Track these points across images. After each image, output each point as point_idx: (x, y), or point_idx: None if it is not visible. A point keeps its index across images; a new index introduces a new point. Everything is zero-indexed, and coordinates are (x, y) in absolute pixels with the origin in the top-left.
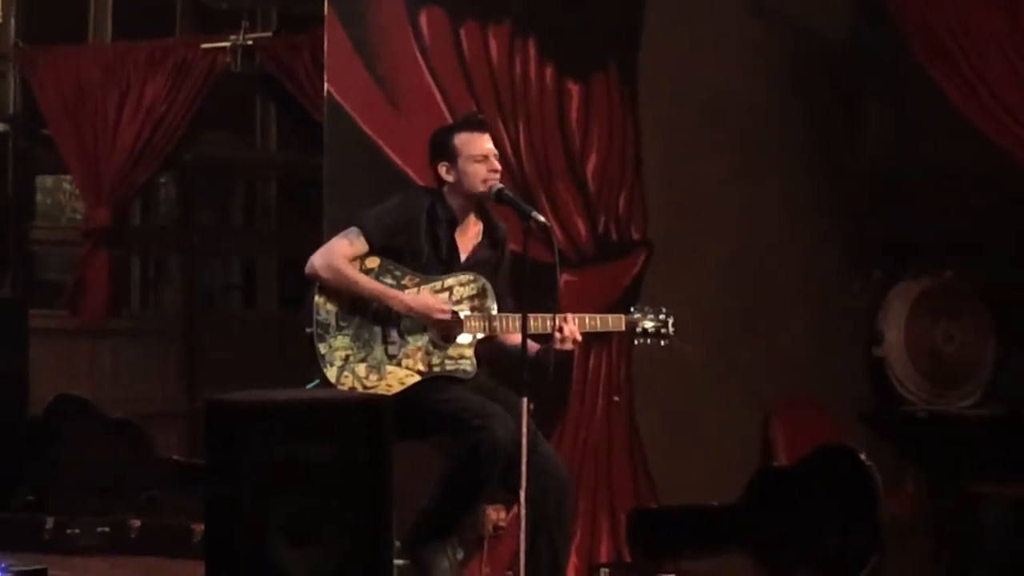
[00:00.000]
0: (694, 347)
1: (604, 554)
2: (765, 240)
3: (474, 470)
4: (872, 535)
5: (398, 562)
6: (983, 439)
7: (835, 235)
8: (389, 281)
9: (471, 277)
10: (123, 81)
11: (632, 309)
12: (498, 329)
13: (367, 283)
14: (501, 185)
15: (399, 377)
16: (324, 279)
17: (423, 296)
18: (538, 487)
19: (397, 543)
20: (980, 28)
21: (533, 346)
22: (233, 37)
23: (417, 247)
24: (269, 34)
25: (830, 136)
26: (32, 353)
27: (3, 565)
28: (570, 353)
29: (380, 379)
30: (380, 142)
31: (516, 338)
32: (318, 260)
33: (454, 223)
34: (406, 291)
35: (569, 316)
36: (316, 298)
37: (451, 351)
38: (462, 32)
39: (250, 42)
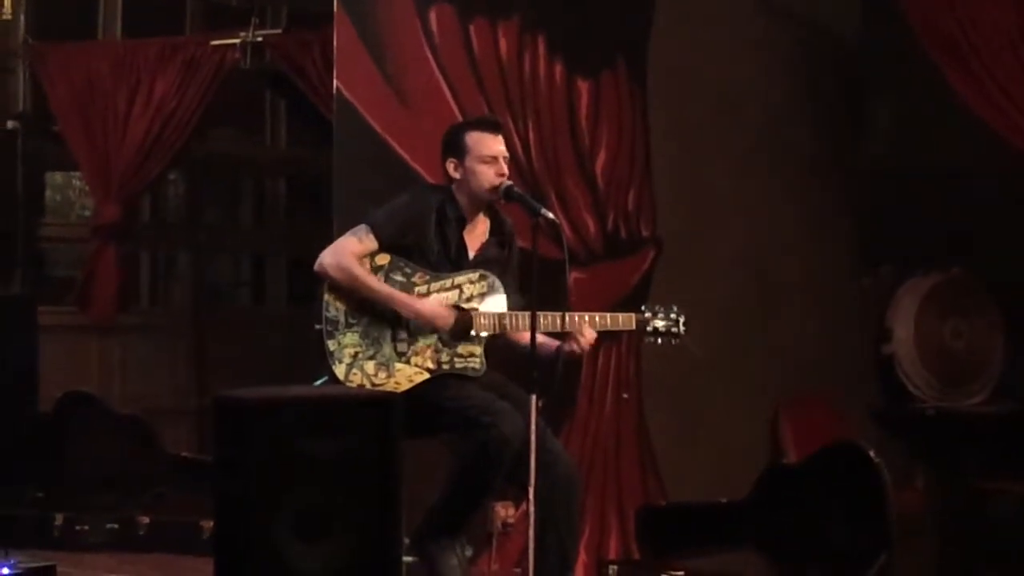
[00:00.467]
0: (702, 345)
1: (613, 551)
2: (774, 237)
3: (483, 467)
4: (881, 532)
5: (407, 559)
6: (992, 436)
7: (844, 232)
8: (399, 279)
9: (481, 275)
10: (132, 78)
11: (643, 308)
12: (508, 327)
13: (376, 285)
14: (510, 182)
15: (408, 375)
16: (334, 278)
17: (432, 304)
18: (547, 484)
19: (406, 540)
20: (989, 24)
21: (552, 342)
22: (243, 34)
23: (426, 245)
24: (279, 31)
25: (839, 133)
26: (41, 349)
27: (12, 561)
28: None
29: (389, 376)
30: (389, 139)
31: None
32: (328, 259)
33: (463, 222)
34: (416, 289)
35: (587, 322)
36: (325, 295)
37: (460, 349)
38: (471, 29)
39: (260, 39)
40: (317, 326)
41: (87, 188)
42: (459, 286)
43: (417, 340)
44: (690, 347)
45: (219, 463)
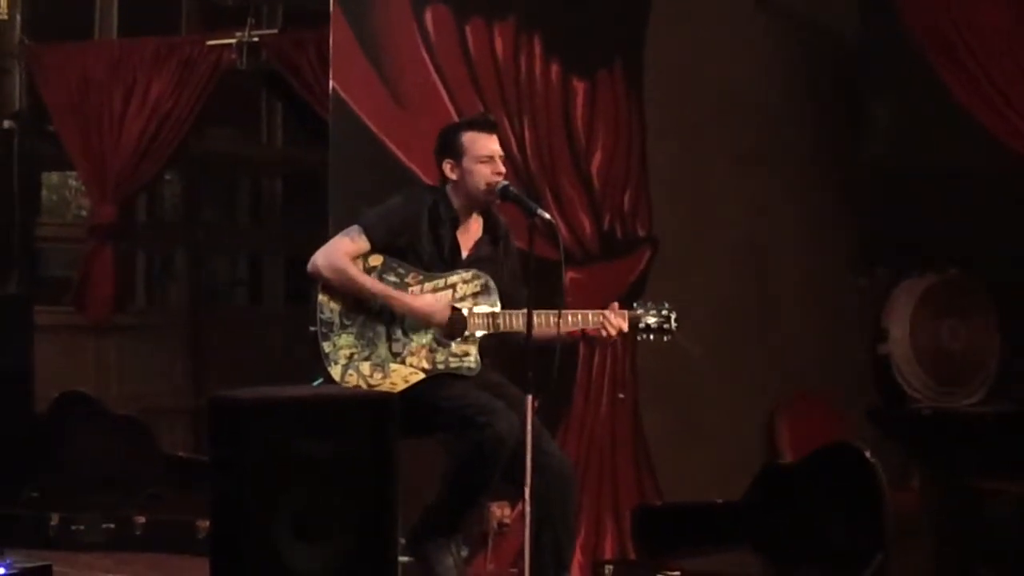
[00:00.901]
0: (698, 344)
1: (608, 551)
2: (771, 237)
3: (479, 467)
4: (877, 532)
5: (403, 559)
6: (988, 436)
7: (841, 232)
8: (392, 279)
9: (474, 274)
10: (129, 78)
11: (635, 305)
12: (502, 326)
13: (370, 283)
14: (506, 182)
15: (403, 375)
16: (327, 278)
17: (426, 300)
18: (543, 484)
19: (402, 539)
20: (987, 25)
21: (575, 331)
22: (239, 34)
23: (420, 246)
24: (275, 31)
25: (836, 133)
26: (37, 349)
27: (8, 561)
28: (575, 346)
29: (384, 377)
30: (385, 139)
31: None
32: (321, 259)
33: (456, 222)
34: (409, 289)
35: (610, 312)
36: (320, 297)
37: (455, 348)
38: (467, 29)
39: (256, 39)
40: (312, 328)
41: (83, 188)
42: (452, 285)
43: (412, 340)
44: (686, 344)
45: (215, 463)
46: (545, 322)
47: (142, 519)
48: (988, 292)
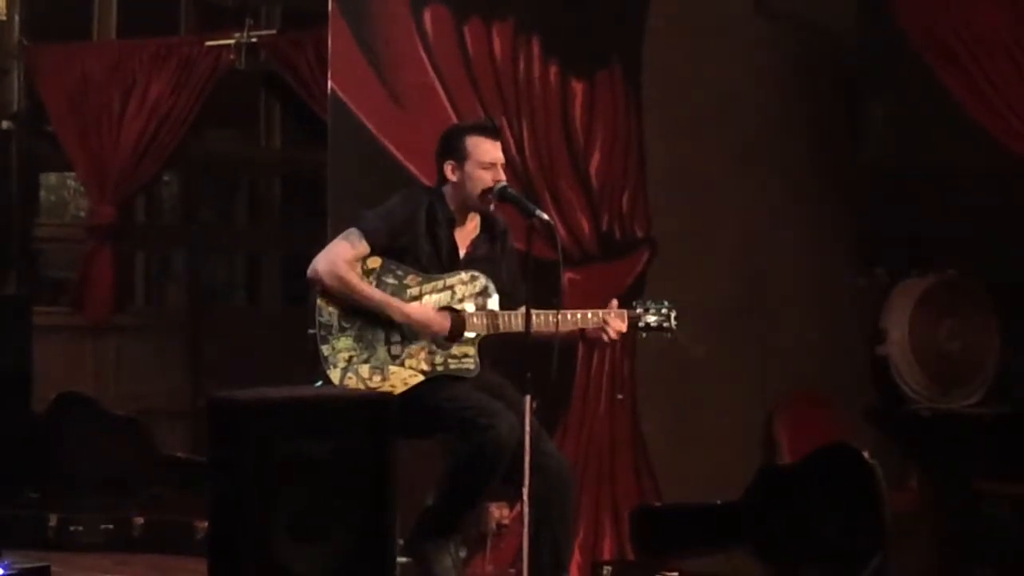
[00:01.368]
0: (696, 344)
1: (607, 552)
2: (769, 238)
3: (479, 468)
4: (876, 533)
5: (401, 559)
6: (987, 437)
7: (839, 233)
8: (391, 281)
9: (472, 276)
10: (127, 78)
11: (635, 303)
12: (501, 327)
13: (369, 292)
14: (504, 183)
15: (402, 377)
16: (327, 285)
17: (425, 309)
18: (541, 485)
19: (400, 540)
20: (985, 26)
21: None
22: (237, 34)
23: (417, 247)
24: (273, 31)
25: (834, 134)
26: (36, 350)
27: (6, 562)
28: (573, 346)
29: (384, 380)
30: (384, 139)
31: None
32: (321, 266)
33: (453, 223)
34: (408, 291)
35: (612, 313)
36: (318, 300)
37: (455, 350)
38: (466, 30)
39: (254, 39)
40: (311, 331)
41: (82, 189)
42: (451, 287)
43: (411, 342)
44: (686, 343)
45: (214, 464)
46: (544, 322)
47: (141, 520)
48: (987, 293)
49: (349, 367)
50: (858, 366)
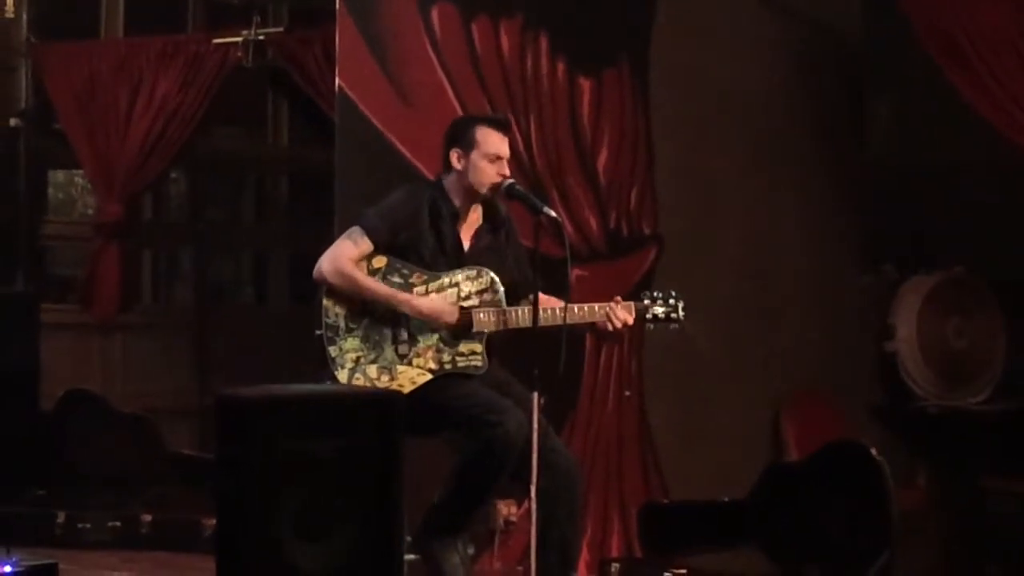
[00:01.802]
0: (704, 341)
1: (615, 549)
2: (776, 235)
3: (488, 466)
4: (883, 531)
5: (409, 557)
6: (994, 435)
7: (847, 230)
8: (397, 280)
9: (478, 271)
10: (135, 76)
11: (642, 295)
12: (509, 322)
13: (376, 287)
14: (512, 180)
15: (410, 376)
16: (333, 284)
17: (433, 300)
18: (549, 482)
19: (408, 538)
20: (991, 23)
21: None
22: (245, 32)
23: (421, 242)
24: (280, 29)
25: (841, 131)
26: (43, 348)
27: (14, 560)
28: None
29: (392, 380)
30: (391, 137)
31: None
32: (326, 265)
33: (456, 217)
34: (414, 289)
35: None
36: (324, 301)
37: (462, 347)
38: (474, 27)
39: (261, 37)
40: (318, 332)
41: (89, 186)
42: (456, 284)
43: (418, 341)
44: (695, 335)
45: (221, 461)
46: (552, 316)
47: (148, 517)
48: (994, 290)
49: (357, 368)
50: (865, 363)
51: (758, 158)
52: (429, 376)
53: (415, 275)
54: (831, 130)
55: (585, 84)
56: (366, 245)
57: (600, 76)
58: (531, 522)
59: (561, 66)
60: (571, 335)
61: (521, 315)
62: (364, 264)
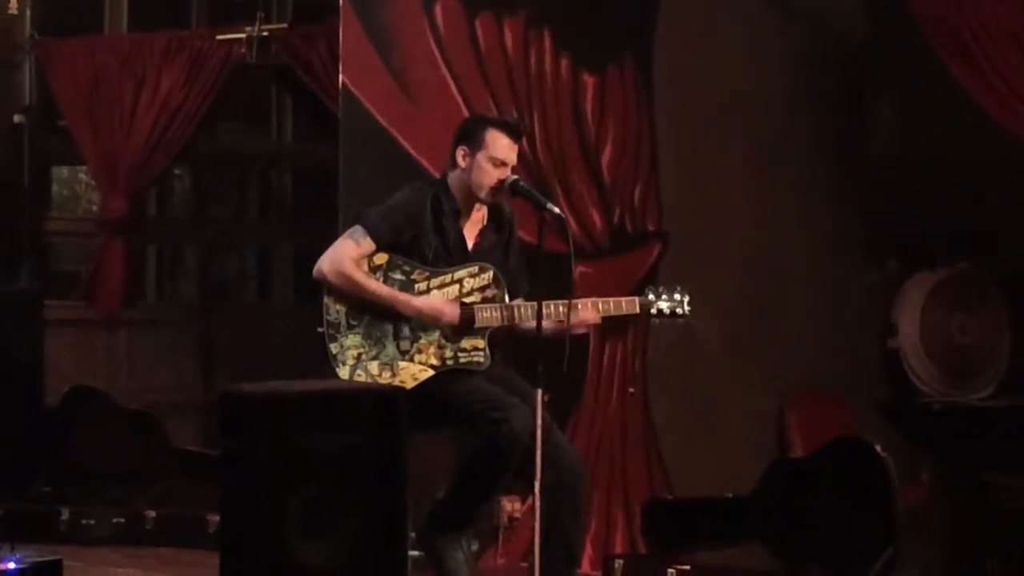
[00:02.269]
0: (707, 333)
1: (619, 545)
2: (780, 231)
3: (492, 462)
4: (887, 527)
5: (413, 553)
6: (999, 431)
7: (850, 226)
8: (398, 276)
9: (481, 267)
10: (139, 72)
11: (647, 290)
12: (512, 318)
13: (375, 287)
14: (516, 177)
15: (412, 372)
16: (333, 284)
17: (433, 300)
18: (553, 478)
19: (412, 534)
20: (996, 19)
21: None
22: (248, 28)
23: (424, 240)
24: (284, 25)
25: (845, 126)
26: (47, 344)
27: (19, 556)
28: (585, 339)
29: (393, 376)
30: (395, 133)
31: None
32: (326, 265)
33: (458, 214)
34: (416, 286)
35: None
36: (325, 298)
37: (464, 343)
38: (477, 23)
39: (265, 33)
40: (319, 329)
41: (93, 182)
42: (459, 280)
43: (420, 337)
44: (699, 329)
45: (225, 457)
46: (555, 312)
47: (152, 513)
48: (998, 286)
49: (358, 364)
50: (869, 360)
51: (761, 155)
52: (431, 372)
53: (416, 272)
54: (834, 127)
55: (589, 81)
56: (368, 245)
57: (604, 73)
58: (535, 519)
59: (565, 63)
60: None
61: (524, 312)
62: (365, 262)
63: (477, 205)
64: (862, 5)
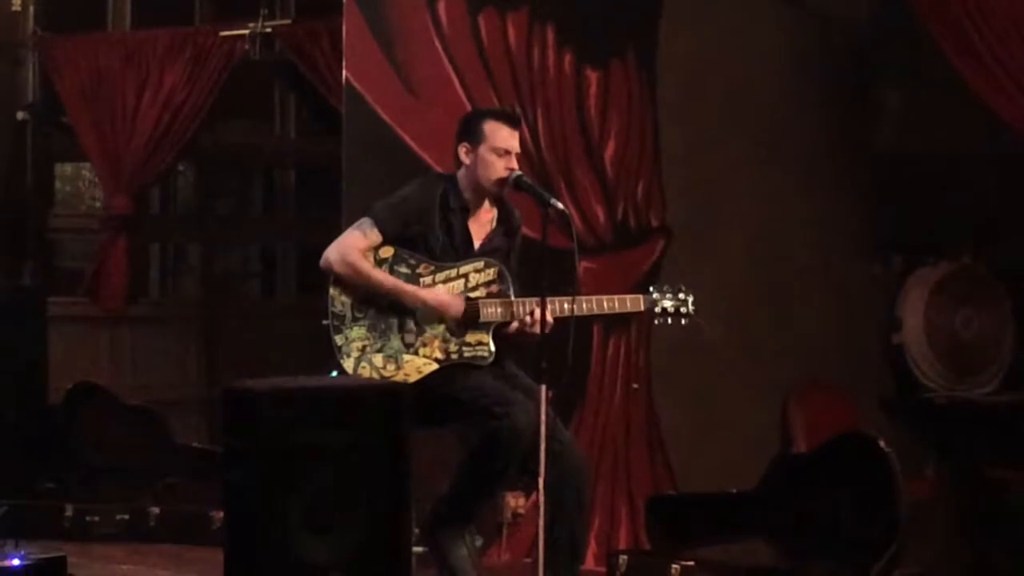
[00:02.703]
0: (712, 332)
1: (622, 541)
2: (784, 226)
3: (495, 457)
4: (891, 522)
5: (417, 549)
6: (1002, 425)
7: (854, 221)
8: (404, 270)
9: (487, 262)
10: (142, 69)
11: (651, 289)
12: (516, 314)
13: (382, 278)
14: (519, 172)
15: (417, 366)
16: (339, 274)
17: (439, 292)
18: (557, 474)
19: (416, 529)
20: (999, 12)
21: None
22: (252, 25)
23: (431, 235)
24: (287, 21)
25: (849, 121)
26: (51, 341)
27: (23, 552)
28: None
29: (398, 369)
30: (398, 129)
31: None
32: (333, 255)
33: (467, 211)
34: (421, 280)
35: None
36: (331, 290)
37: (469, 338)
38: (480, 19)
39: (268, 29)
40: (324, 321)
41: (97, 179)
42: (465, 275)
43: (425, 331)
44: (699, 324)
45: (229, 453)
46: (559, 308)
47: (156, 510)
48: (1002, 281)
49: (363, 356)
50: (873, 355)
51: (766, 148)
52: (435, 366)
53: (422, 265)
54: (840, 120)
55: (592, 76)
56: (375, 236)
57: (607, 68)
58: (539, 514)
59: (568, 58)
60: (578, 327)
61: (528, 307)
62: (371, 254)
63: (486, 205)
64: None
